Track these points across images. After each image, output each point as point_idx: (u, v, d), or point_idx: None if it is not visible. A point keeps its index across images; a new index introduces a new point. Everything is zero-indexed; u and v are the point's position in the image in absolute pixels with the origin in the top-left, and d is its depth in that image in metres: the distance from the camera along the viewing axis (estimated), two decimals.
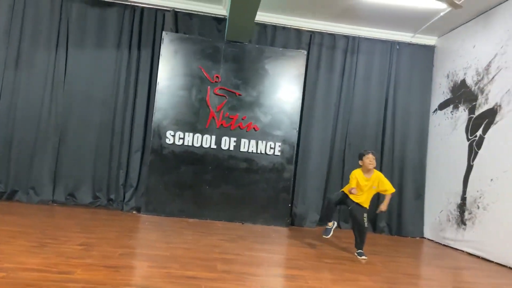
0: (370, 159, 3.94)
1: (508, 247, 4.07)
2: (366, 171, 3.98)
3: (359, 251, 3.89)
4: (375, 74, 5.93)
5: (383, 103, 5.93)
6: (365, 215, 3.91)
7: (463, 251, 4.78)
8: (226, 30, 5.12)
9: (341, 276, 3.05)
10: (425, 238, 5.69)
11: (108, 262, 2.68)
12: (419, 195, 5.82)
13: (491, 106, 4.59)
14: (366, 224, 3.91)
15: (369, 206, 4.04)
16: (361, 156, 4.03)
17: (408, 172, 5.83)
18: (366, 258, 3.79)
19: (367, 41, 5.94)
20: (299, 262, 3.30)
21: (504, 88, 4.39)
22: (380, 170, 5.81)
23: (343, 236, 4.85)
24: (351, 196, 3.93)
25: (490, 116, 4.58)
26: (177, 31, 5.50)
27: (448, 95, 5.53)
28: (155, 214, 5.09)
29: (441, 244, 5.25)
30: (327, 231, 4.03)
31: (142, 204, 5.19)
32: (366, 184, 3.95)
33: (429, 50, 6.03)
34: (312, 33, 5.88)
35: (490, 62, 4.69)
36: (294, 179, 5.71)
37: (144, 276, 2.46)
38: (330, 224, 4.03)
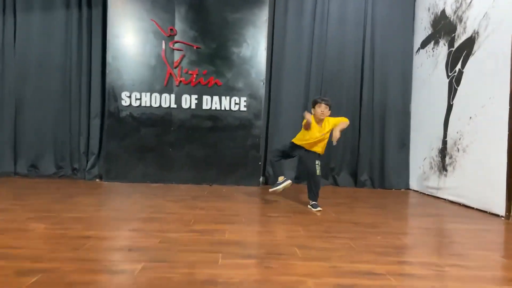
0: (322, 109, 3.52)
1: (488, 192, 3.65)
2: (318, 120, 3.58)
3: (313, 202, 3.56)
4: (350, 15, 5.38)
5: (360, 47, 5.41)
6: (318, 162, 3.56)
7: (445, 199, 4.39)
8: None
9: (269, 228, 2.74)
10: (410, 189, 5.30)
11: (5, 225, 2.46)
12: (403, 144, 5.39)
13: (469, 35, 4.05)
14: (318, 172, 3.55)
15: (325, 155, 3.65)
16: (313, 104, 3.62)
17: (390, 120, 5.37)
18: (321, 209, 3.46)
19: None
20: (235, 217, 3.01)
21: (481, 11, 3.84)
22: (359, 120, 5.40)
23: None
24: (302, 144, 3.57)
25: (468, 46, 4.04)
26: None
27: (429, 31, 4.96)
28: (117, 181, 4.87)
29: (425, 194, 4.86)
30: (274, 185, 3.65)
31: (103, 171, 4.97)
32: (318, 136, 3.56)
33: None
34: None
35: None
36: (267, 135, 5.36)
37: (29, 238, 2.21)
38: (281, 178, 3.66)
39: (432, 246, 2.53)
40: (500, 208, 3.48)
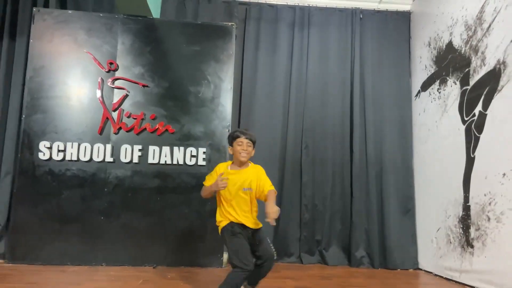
0: (244, 146, 2.49)
1: None
2: (238, 163, 2.53)
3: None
4: (334, 53, 4.50)
5: (348, 90, 4.46)
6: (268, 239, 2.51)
7: (473, 287, 3.17)
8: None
9: None
10: (421, 269, 4.07)
11: None
12: (408, 209, 4.24)
13: (491, 67, 3.11)
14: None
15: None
16: (230, 140, 2.59)
17: (388, 179, 4.27)
18: None
19: (320, 11, 4.55)
20: None
21: (507, 36, 2.92)
22: (351, 179, 4.28)
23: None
24: (237, 219, 2.45)
25: (491, 81, 3.09)
26: (64, 8, 4.13)
27: (432, 69, 4.06)
28: (24, 263, 3.52)
29: (442, 277, 3.64)
30: None
31: (7, 249, 3.63)
32: (235, 180, 2.46)
33: (404, 17, 4.63)
34: (247, 5, 4.50)
35: (483, 7, 3.25)
36: None
37: None
38: None
39: None
40: None
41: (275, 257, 2.49)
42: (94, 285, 2.84)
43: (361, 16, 4.56)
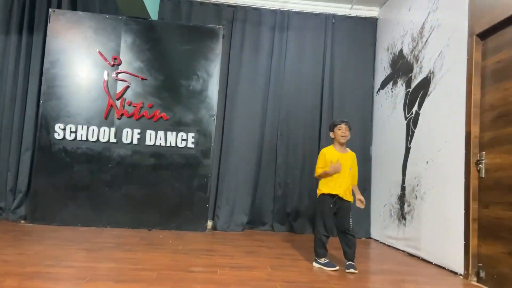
0: (343, 130, 3.16)
1: (446, 245, 3.26)
2: (339, 145, 3.21)
3: (349, 262, 3.07)
4: (309, 53, 5.18)
5: (319, 86, 5.16)
6: (351, 213, 3.15)
7: (404, 251, 3.97)
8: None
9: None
10: (371, 238, 4.88)
11: None
12: (364, 189, 4.98)
13: (425, 75, 3.82)
14: (352, 224, 3.15)
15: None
16: (331, 127, 3.26)
17: None
18: (356, 271, 2.99)
19: (298, 15, 5.20)
20: (146, 273, 2.52)
21: (437, 50, 3.62)
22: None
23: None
24: (330, 189, 3.12)
25: (424, 87, 3.80)
26: (75, 9, 4.78)
27: (388, 71, 4.76)
28: (43, 223, 4.31)
29: (385, 244, 4.44)
30: (332, 264, 3.12)
31: (28, 211, 4.42)
32: (344, 164, 3.15)
33: (371, 22, 5.28)
34: (234, 8, 5.15)
35: (423, 24, 3.93)
36: (218, 175, 4.94)
37: None
38: (322, 259, 3.14)
39: None
40: (458, 265, 3.08)
41: (351, 229, 3.10)
42: (101, 240, 3.62)
43: (333, 21, 5.22)
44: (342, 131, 3.17)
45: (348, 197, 3.15)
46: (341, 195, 3.11)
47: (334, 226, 3.19)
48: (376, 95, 5.08)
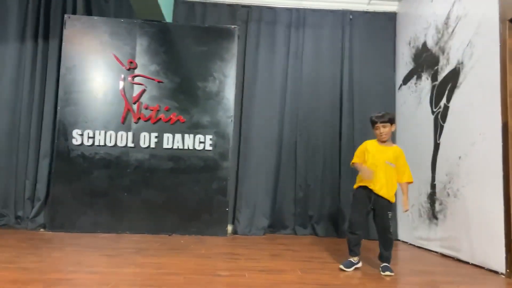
0: (380, 130, 2.98)
1: (484, 243, 3.07)
2: (380, 142, 3.04)
3: (384, 264, 2.91)
4: (326, 51, 5.05)
5: (338, 84, 5.02)
6: (389, 214, 2.93)
7: (437, 252, 3.78)
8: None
9: None
10: (399, 240, 4.68)
11: None
12: None
13: (453, 66, 3.66)
14: (392, 226, 2.95)
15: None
16: (372, 124, 3.08)
17: None
18: (392, 274, 2.82)
19: (314, 12, 5.09)
20: (172, 277, 2.41)
21: (465, 40, 3.46)
22: (339, 163, 4.89)
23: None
24: (366, 184, 2.93)
25: (453, 78, 3.64)
26: (90, 14, 4.75)
27: (411, 65, 4.60)
28: (62, 231, 4.23)
29: (415, 246, 4.25)
30: (346, 264, 2.96)
31: (47, 219, 4.35)
32: (381, 156, 2.94)
33: (390, 17, 5.14)
34: (249, 8, 5.06)
35: (448, 14, 3.78)
36: (237, 178, 4.82)
37: None
38: (355, 258, 2.98)
39: None
40: (499, 263, 2.90)
41: (390, 231, 2.91)
42: (122, 246, 3.52)
43: (351, 17, 5.09)
44: (379, 131, 2.99)
45: (387, 195, 2.92)
46: (376, 190, 2.92)
47: (363, 225, 3.03)
48: (398, 91, 4.91)
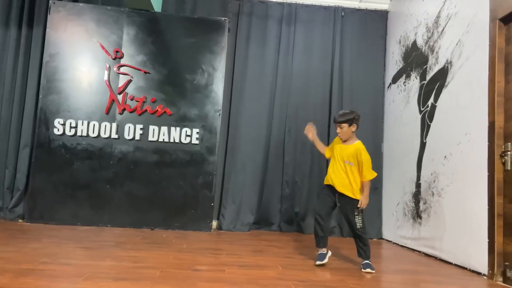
0: (337, 130, 3.02)
1: (467, 244, 3.06)
2: (342, 141, 3.04)
3: (365, 261, 2.88)
4: (317, 48, 5.00)
5: (328, 81, 4.98)
6: (356, 211, 2.88)
7: (420, 252, 3.77)
8: None
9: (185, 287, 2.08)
10: (384, 239, 4.67)
11: None
12: (376, 187, 4.80)
13: (441, 66, 3.63)
14: (359, 223, 2.88)
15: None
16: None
17: None
18: (373, 271, 2.80)
19: (306, 8, 5.03)
20: (148, 271, 2.34)
21: (455, 39, 3.44)
22: (327, 160, 4.80)
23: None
24: (329, 182, 2.99)
25: (441, 78, 3.62)
26: (76, 1, 4.63)
27: (400, 64, 4.58)
28: (41, 222, 4.13)
29: (399, 245, 4.23)
30: (319, 257, 2.96)
31: (26, 210, 4.24)
32: (341, 154, 2.98)
33: (381, 15, 5.11)
34: (240, 1, 4.99)
35: (439, 12, 3.76)
36: (223, 173, 4.76)
37: None
38: (324, 249, 2.99)
39: None
40: (481, 264, 2.88)
41: (358, 226, 2.86)
42: (102, 239, 3.43)
43: (342, 14, 5.05)
44: (337, 131, 3.02)
45: (347, 192, 2.91)
46: (336, 187, 2.94)
47: (328, 216, 3.07)
48: (387, 90, 4.89)
